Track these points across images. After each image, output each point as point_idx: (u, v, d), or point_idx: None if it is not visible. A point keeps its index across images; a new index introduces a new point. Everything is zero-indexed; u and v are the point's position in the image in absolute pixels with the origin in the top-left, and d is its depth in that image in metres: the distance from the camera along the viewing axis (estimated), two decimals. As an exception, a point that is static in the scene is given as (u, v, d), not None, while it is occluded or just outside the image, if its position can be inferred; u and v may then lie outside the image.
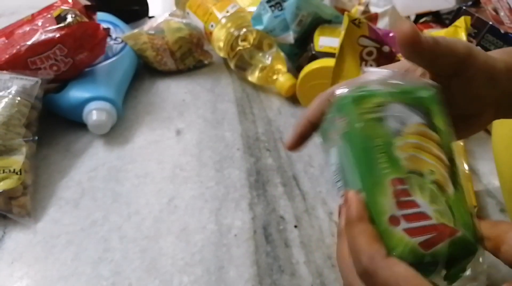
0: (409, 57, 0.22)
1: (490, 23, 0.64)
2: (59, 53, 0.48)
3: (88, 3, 0.53)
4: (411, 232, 0.19)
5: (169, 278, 0.37)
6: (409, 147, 0.20)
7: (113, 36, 0.60)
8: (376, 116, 0.21)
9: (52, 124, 0.52)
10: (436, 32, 0.51)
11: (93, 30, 0.50)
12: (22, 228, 0.40)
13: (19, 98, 0.45)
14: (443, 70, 0.23)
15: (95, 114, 0.49)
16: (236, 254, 0.39)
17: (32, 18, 0.50)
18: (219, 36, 0.62)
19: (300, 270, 0.38)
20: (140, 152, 0.50)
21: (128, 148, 0.50)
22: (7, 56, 0.47)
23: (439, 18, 0.73)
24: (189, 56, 0.63)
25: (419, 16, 0.73)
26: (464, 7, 0.68)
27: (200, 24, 0.65)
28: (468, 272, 0.20)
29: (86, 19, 0.49)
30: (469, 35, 0.66)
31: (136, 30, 0.62)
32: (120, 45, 0.59)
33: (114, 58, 0.56)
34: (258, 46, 0.59)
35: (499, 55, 0.24)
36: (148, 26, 0.63)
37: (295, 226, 0.41)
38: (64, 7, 0.50)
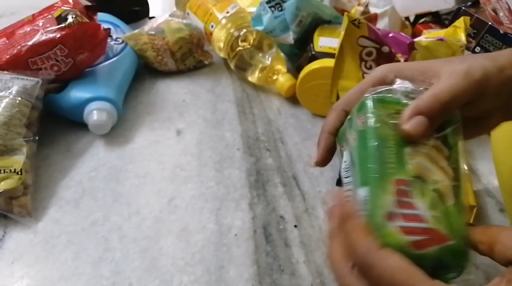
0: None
1: (490, 23, 0.64)
2: (60, 54, 0.48)
3: (89, 3, 0.53)
4: (405, 230, 0.20)
5: (169, 277, 0.37)
6: (418, 154, 0.21)
7: (114, 36, 0.60)
8: (394, 122, 0.22)
9: (53, 124, 0.52)
10: (436, 33, 0.51)
11: (93, 31, 0.50)
12: (22, 228, 0.41)
13: (19, 98, 0.45)
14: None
15: (95, 114, 0.49)
16: (236, 254, 0.39)
17: (33, 19, 0.51)
18: (219, 37, 0.62)
19: (300, 269, 0.38)
20: (141, 152, 0.50)
21: (128, 148, 0.50)
22: (8, 56, 0.47)
23: (438, 19, 0.73)
24: (189, 56, 0.63)
25: (418, 17, 0.73)
26: (463, 8, 0.68)
27: (200, 24, 0.65)
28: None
29: (86, 20, 0.50)
30: (468, 35, 0.66)
31: (136, 31, 0.62)
32: (121, 46, 0.59)
33: (114, 59, 0.56)
34: (258, 47, 0.59)
35: (508, 58, 0.24)
36: (148, 26, 0.63)
37: (295, 226, 0.42)
38: (65, 7, 0.50)
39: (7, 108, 0.44)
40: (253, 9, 0.61)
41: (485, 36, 0.65)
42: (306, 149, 0.51)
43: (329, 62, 0.50)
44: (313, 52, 0.55)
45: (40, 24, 0.49)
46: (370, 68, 0.47)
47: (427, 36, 0.51)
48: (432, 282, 0.18)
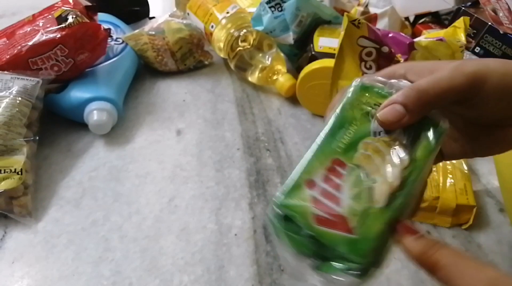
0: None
1: (489, 23, 0.64)
2: (60, 54, 0.48)
3: (89, 3, 0.53)
4: (316, 203, 0.20)
5: (169, 277, 0.37)
6: (373, 149, 0.21)
7: (114, 36, 0.60)
8: (369, 111, 0.22)
9: (53, 124, 0.52)
10: (435, 33, 0.51)
11: (94, 31, 0.50)
12: (23, 228, 0.41)
13: (20, 98, 0.45)
14: (446, 104, 0.22)
15: (96, 114, 0.49)
16: (236, 254, 0.39)
17: (33, 19, 0.51)
18: (219, 37, 0.62)
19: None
20: (141, 152, 0.50)
21: (128, 148, 0.51)
22: (8, 56, 0.47)
23: (438, 19, 0.73)
24: (189, 56, 0.63)
25: (418, 17, 0.73)
26: (463, 8, 0.68)
27: (200, 24, 0.65)
28: (337, 277, 0.20)
29: (87, 20, 0.50)
30: (468, 35, 0.67)
31: (136, 31, 0.62)
32: (121, 46, 0.59)
33: (115, 59, 0.57)
34: (258, 47, 0.59)
35: None
36: (148, 26, 0.63)
37: (295, 226, 0.42)
38: (65, 7, 0.50)
39: (8, 108, 0.44)
40: (253, 9, 0.61)
41: (484, 36, 0.65)
42: (306, 149, 0.51)
43: (329, 62, 0.50)
44: (313, 52, 0.55)
45: (41, 24, 0.49)
46: (370, 68, 0.47)
47: (427, 36, 0.51)
48: None
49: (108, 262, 0.38)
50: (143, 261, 0.38)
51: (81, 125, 0.51)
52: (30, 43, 0.47)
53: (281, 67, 0.59)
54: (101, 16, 0.60)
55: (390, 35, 0.48)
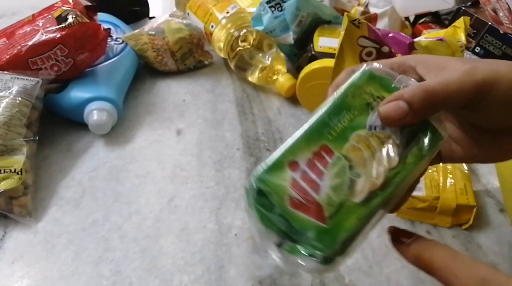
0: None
1: (489, 23, 0.64)
2: (60, 54, 0.48)
3: (89, 3, 0.53)
4: (295, 185, 0.20)
5: (169, 277, 0.37)
6: (365, 143, 0.21)
7: (114, 36, 0.60)
8: (370, 102, 0.21)
9: (53, 124, 0.52)
10: (435, 33, 0.51)
11: (94, 31, 0.50)
12: (23, 228, 0.41)
13: (20, 98, 0.45)
14: (451, 108, 0.22)
15: (96, 114, 0.49)
16: (236, 254, 0.39)
17: (33, 19, 0.51)
18: (219, 37, 0.62)
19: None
20: (141, 152, 0.50)
21: (128, 148, 0.51)
22: (8, 56, 0.47)
23: (438, 19, 0.73)
24: (189, 56, 0.63)
25: (418, 17, 0.73)
26: (463, 8, 0.68)
27: (200, 24, 0.65)
28: (299, 260, 0.20)
29: (87, 20, 0.50)
30: (468, 35, 0.67)
31: (136, 31, 0.62)
32: (121, 46, 0.59)
33: (114, 59, 0.56)
34: (258, 47, 0.59)
35: None
36: (148, 26, 0.63)
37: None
38: (65, 7, 0.50)
39: (7, 108, 0.44)
40: (253, 9, 0.61)
41: (485, 36, 0.65)
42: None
43: (329, 62, 0.50)
44: (313, 52, 0.55)
45: (40, 24, 0.49)
46: (370, 68, 0.47)
47: (427, 36, 0.51)
48: None
49: (108, 262, 0.38)
50: (143, 261, 0.38)
51: (81, 125, 0.51)
52: (30, 43, 0.47)
53: (281, 67, 0.59)
54: (101, 16, 0.60)
55: (390, 35, 0.48)
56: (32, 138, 0.45)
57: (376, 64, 0.23)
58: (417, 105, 0.20)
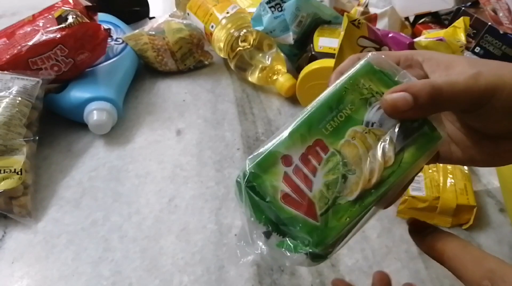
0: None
1: (489, 23, 0.64)
2: (60, 54, 0.48)
3: (89, 3, 0.53)
4: (288, 180, 0.19)
5: (169, 277, 0.37)
6: (361, 140, 0.20)
7: (114, 36, 0.60)
8: (369, 98, 0.21)
9: (53, 124, 0.52)
10: (435, 33, 0.51)
11: (94, 31, 0.50)
12: (22, 228, 0.41)
13: (20, 98, 0.45)
14: (454, 109, 0.22)
15: (96, 114, 0.49)
16: (236, 254, 0.39)
17: (33, 19, 0.51)
18: (219, 37, 0.62)
19: (299, 269, 0.38)
20: (141, 152, 0.50)
21: (128, 148, 0.51)
22: (8, 56, 0.47)
23: (438, 19, 0.73)
24: (189, 56, 0.63)
25: (418, 17, 0.73)
26: (463, 8, 0.68)
27: (200, 25, 0.65)
28: (287, 254, 0.20)
29: (87, 20, 0.50)
30: (468, 35, 0.67)
31: (136, 31, 0.62)
32: (121, 46, 0.59)
33: (115, 59, 0.56)
34: (258, 47, 0.59)
35: None
36: (148, 26, 0.63)
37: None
38: (65, 7, 0.50)
39: (7, 108, 0.44)
40: (253, 10, 0.61)
41: (484, 36, 0.65)
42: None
43: (329, 62, 0.51)
44: (313, 52, 0.55)
45: (41, 24, 0.49)
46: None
47: (426, 36, 0.51)
48: None
49: (108, 262, 0.38)
50: (143, 261, 0.38)
51: (81, 125, 0.51)
52: (30, 43, 0.47)
53: (281, 67, 0.59)
54: (101, 16, 0.60)
55: (390, 35, 0.48)
56: (32, 138, 0.45)
57: (379, 56, 0.22)
58: (423, 100, 0.19)
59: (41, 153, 0.48)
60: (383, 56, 0.22)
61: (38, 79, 0.47)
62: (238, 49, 0.59)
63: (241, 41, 0.59)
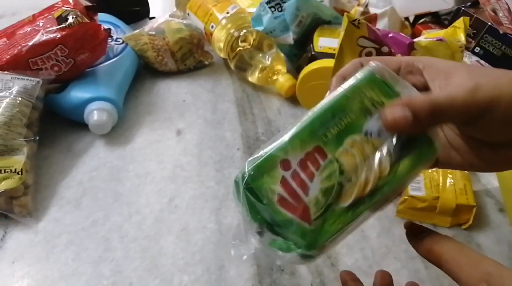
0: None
1: (489, 23, 0.64)
2: (60, 54, 0.49)
3: (89, 4, 0.53)
4: (285, 184, 0.20)
5: (169, 277, 0.37)
6: (358, 148, 0.21)
7: (114, 36, 0.60)
8: (369, 107, 0.21)
9: (53, 124, 0.52)
10: (435, 33, 0.51)
11: (94, 31, 0.50)
12: (23, 227, 0.41)
13: (20, 98, 0.45)
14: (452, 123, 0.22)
15: (96, 114, 0.49)
16: (230, 252, 0.39)
17: (33, 19, 0.51)
18: (220, 37, 0.62)
19: (299, 269, 0.38)
20: (141, 152, 0.50)
21: (129, 148, 0.51)
22: (8, 56, 0.47)
23: (438, 19, 0.73)
24: (189, 56, 0.64)
25: (418, 17, 0.73)
26: (463, 8, 0.68)
27: (200, 25, 0.65)
28: (280, 253, 0.21)
29: (87, 20, 0.50)
30: (468, 35, 0.67)
31: (137, 31, 0.62)
32: (121, 46, 0.59)
33: (115, 59, 0.57)
34: (258, 47, 0.59)
35: None
36: (148, 27, 0.63)
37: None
38: (65, 8, 0.50)
39: (8, 108, 0.44)
40: (253, 10, 0.61)
41: (484, 36, 0.65)
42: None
43: (329, 62, 0.51)
44: (313, 53, 0.56)
45: (41, 24, 0.49)
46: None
47: (426, 37, 0.51)
48: None
49: (109, 262, 0.38)
50: (143, 261, 0.38)
51: (81, 125, 0.51)
52: (30, 43, 0.47)
53: (281, 67, 0.59)
54: (101, 16, 0.60)
55: (390, 35, 0.48)
56: (32, 138, 0.45)
57: (381, 66, 0.22)
58: (422, 117, 0.20)
59: (42, 153, 0.48)
60: (384, 66, 0.22)
61: (38, 79, 0.48)
62: (238, 49, 0.59)
63: (241, 41, 0.60)
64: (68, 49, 0.49)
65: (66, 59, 0.49)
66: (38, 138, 0.46)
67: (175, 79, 0.63)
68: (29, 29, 0.49)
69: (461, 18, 0.50)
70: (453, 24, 0.50)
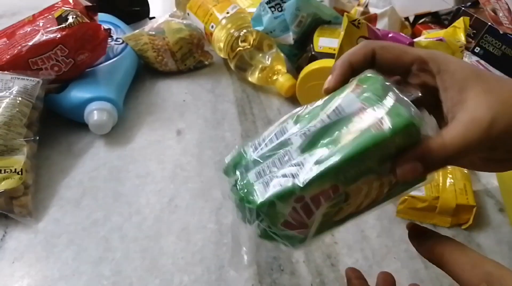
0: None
1: (489, 23, 0.64)
2: (60, 54, 0.49)
3: (89, 4, 0.53)
4: (293, 214, 0.21)
5: (169, 277, 0.37)
6: (368, 186, 0.21)
7: (114, 36, 0.60)
8: (392, 153, 0.21)
9: (53, 124, 0.52)
10: (435, 33, 0.51)
11: (94, 31, 0.50)
12: (23, 227, 0.41)
13: (20, 98, 0.45)
14: None
15: (96, 114, 0.49)
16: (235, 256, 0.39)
17: (33, 19, 0.51)
18: (220, 37, 0.62)
19: (299, 269, 0.38)
20: (141, 152, 0.50)
21: (129, 148, 0.51)
22: (8, 56, 0.47)
23: (438, 19, 0.73)
24: (189, 56, 0.64)
25: (418, 17, 0.73)
26: (463, 8, 0.68)
27: (200, 25, 0.65)
28: (277, 239, 0.22)
29: (87, 20, 0.50)
30: (468, 35, 0.67)
31: (137, 31, 0.62)
32: (121, 46, 0.59)
33: (115, 59, 0.57)
34: (258, 47, 0.59)
35: None
36: (149, 27, 0.63)
37: (295, 226, 0.42)
38: (65, 8, 0.50)
39: (8, 108, 0.44)
40: (253, 10, 0.61)
41: (484, 36, 0.65)
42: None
43: (329, 62, 0.51)
44: (313, 53, 0.56)
45: (41, 24, 0.49)
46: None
47: (426, 37, 0.51)
48: None
49: (109, 262, 0.38)
50: (144, 261, 0.38)
51: (81, 125, 0.51)
52: (30, 43, 0.47)
53: (281, 67, 0.59)
54: (101, 16, 0.60)
55: (390, 35, 0.48)
56: (32, 138, 0.45)
57: (400, 97, 0.20)
58: (435, 167, 0.20)
59: (42, 153, 0.48)
60: (403, 97, 0.20)
61: (38, 79, 0.48)
62: (238, 49, 0.59)
63: (241, 41, 0.60)
64: (68, 49, 0.49)
65: (66, 59, 0.49)
66: (38, 138, 0.46)
67: (175, 79, 0.63)
68: (29, 29, 0.49)
69: (461, 18, 0.50)
70: (453, 24, 0.50)
